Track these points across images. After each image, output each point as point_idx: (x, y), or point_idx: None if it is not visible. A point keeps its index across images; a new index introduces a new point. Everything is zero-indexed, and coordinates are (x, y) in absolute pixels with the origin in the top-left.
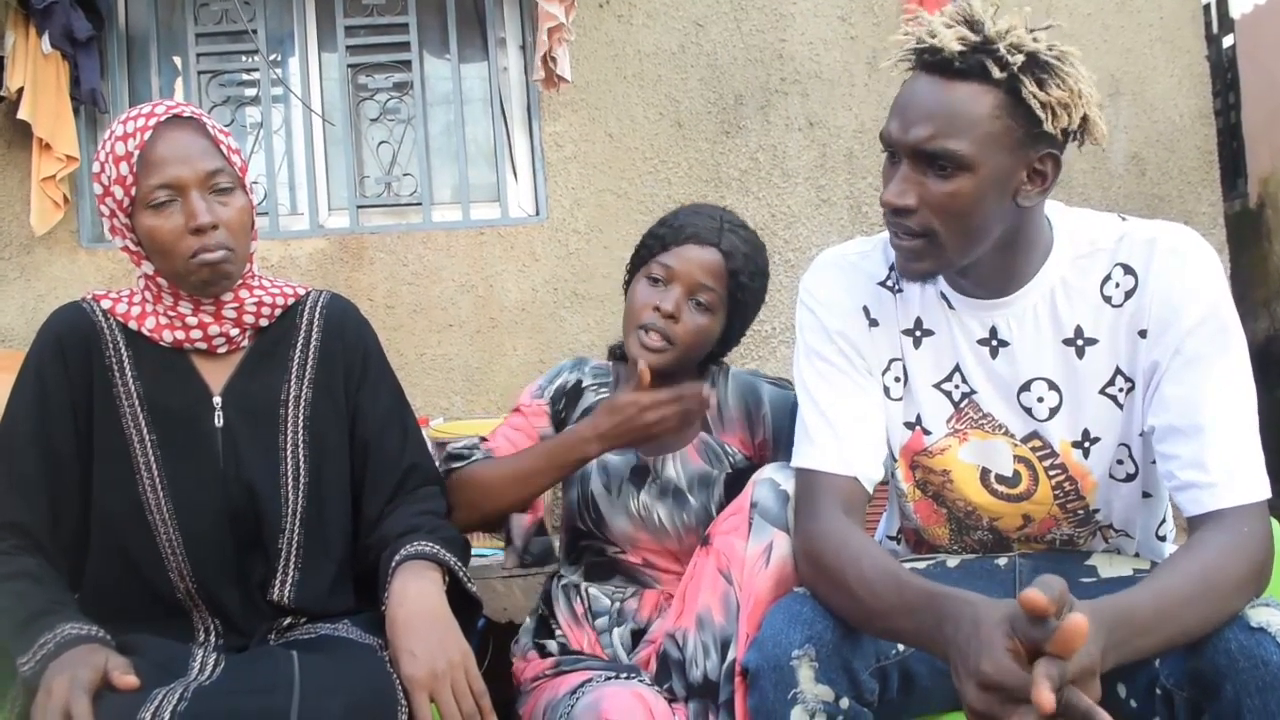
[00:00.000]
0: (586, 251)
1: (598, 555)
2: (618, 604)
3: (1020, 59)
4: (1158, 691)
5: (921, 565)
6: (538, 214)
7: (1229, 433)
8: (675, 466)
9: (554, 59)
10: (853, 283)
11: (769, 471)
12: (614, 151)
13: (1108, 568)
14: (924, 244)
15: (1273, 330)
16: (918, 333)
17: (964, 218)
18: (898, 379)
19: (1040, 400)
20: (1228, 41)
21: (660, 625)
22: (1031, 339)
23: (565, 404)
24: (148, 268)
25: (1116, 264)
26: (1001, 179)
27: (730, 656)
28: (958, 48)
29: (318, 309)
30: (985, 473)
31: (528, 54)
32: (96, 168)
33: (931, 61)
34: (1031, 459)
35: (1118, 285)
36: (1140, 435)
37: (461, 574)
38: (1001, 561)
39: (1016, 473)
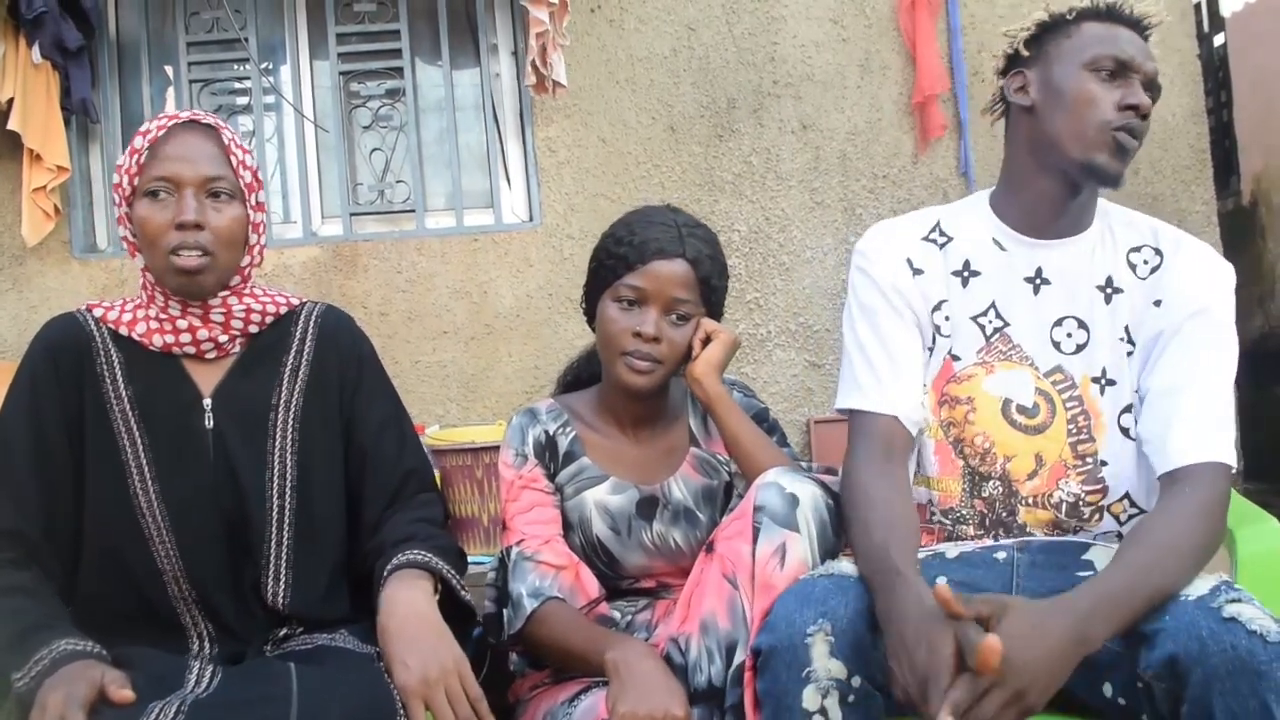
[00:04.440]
0: (581, 257)
1: (608, 586)
2: (629, 617)
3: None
4: (1139, 684)
5: (921, 556)
6: (531, 220)
7: (1207, 402)
8: (680, 488)
9: (548, 65)
10: (897, 238)
11: (772, 476)
12: (607, 156)
13: (1105, 560)
14: (1137, 147)
15: (1267, 328)
16: (965, 274)
17: (1147, 134)
18: (946, 318)
19: (1069, 336)
20: (1219, 40)
21: (663, 630)
22: (1072, 280)
23: (549, 457)
24: (140, 260)
25: (1146, 245)
26: None
27: (738, 660)
28: (1159, 19)
29: (312, 318)
30: (1007, 404)
31: (520, 60)
32: (121, 162)
33: (1133, 20)
34: (1051, 392)
35: (1145, 261)
36: (1135, 392)
37: (455, 582)
38: (1000, 555)
39: (1036, 404)
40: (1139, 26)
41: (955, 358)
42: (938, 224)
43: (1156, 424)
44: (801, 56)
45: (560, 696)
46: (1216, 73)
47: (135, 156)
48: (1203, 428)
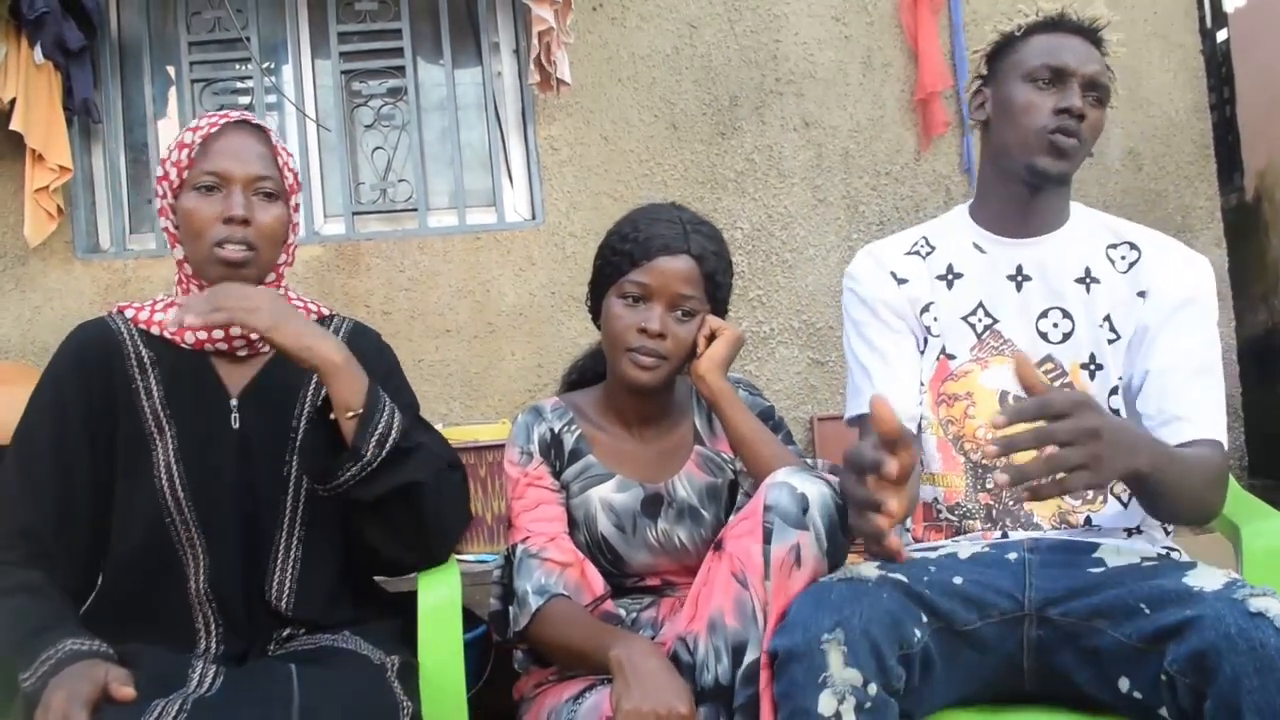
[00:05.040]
0: (583, 255)
1: (613, 584)
2: (634, 614)
3: (1113, 54)
4: (1163, 678)
5: (934, 555)
6: (534, 218)
7: (1204, 382)
8: (685, 486)
9: (552, 63)
10: (880, 257)
11: (782, 475)
12: (609, 154)
13: (1115, 557)
14: (1078, 147)
15: (1271, 324)
16: (949, 277)
17: (1094, 141)
18: (935, 319)
19: (1055, 326)
20: (1222, 35)
21: (669, 629)
22: (1053, 274)
23: (554, 455)
24: (179, 252)
25: (1123, 242)
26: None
27: (747, 660)
28: (1105, 21)
29: (342, 329)
30: (1004, 395)
31: (521, 58)
32: (165, 153)
33: (1078, 26)
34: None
35: (1123, 257)
36: (1119, 378)
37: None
38: (1011, 555)
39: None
40: (1086, 31)
41: (950, 356)
42: (923, 238)
43: (1158, 401)
44: (804, 54)
45: (564, 694)
46: (1220, 68)
47: (185, 150)
48: (1203, 407)
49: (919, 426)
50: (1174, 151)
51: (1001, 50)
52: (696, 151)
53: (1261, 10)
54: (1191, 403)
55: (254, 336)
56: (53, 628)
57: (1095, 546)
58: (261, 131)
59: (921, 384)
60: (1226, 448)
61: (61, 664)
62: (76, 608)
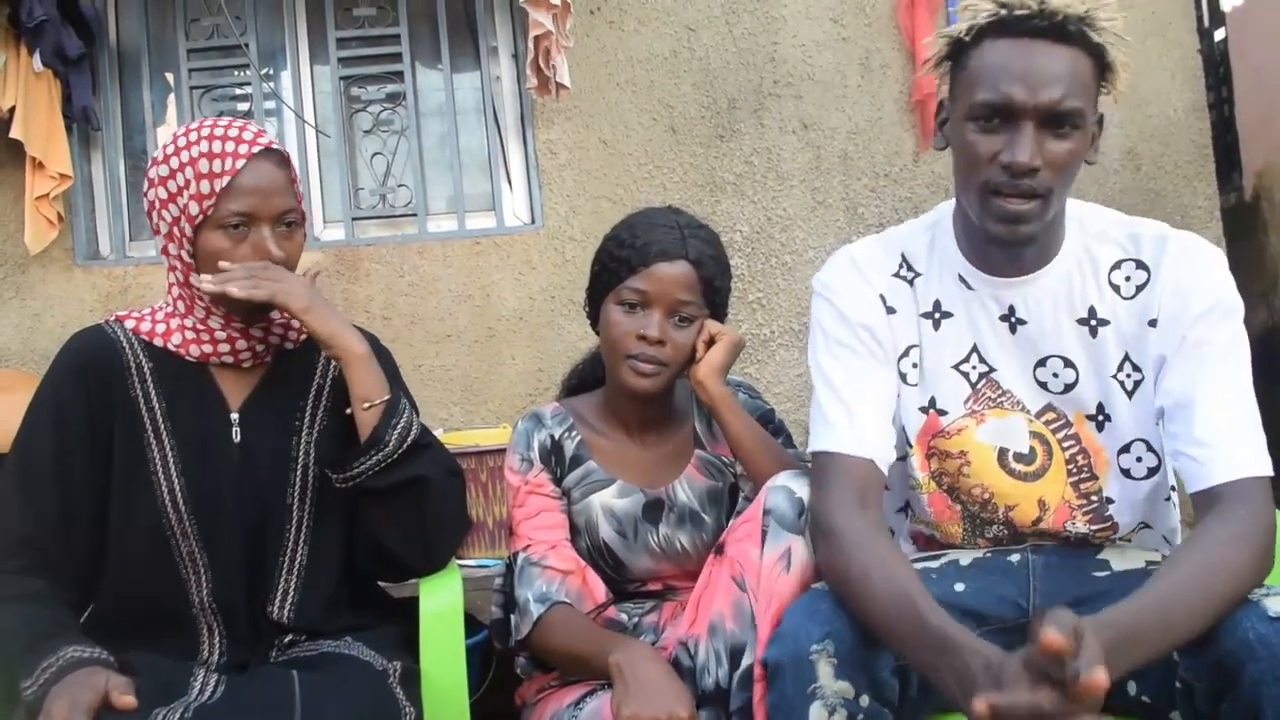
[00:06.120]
0: (583, 259)
1: (615, 590)
2: (635, 619)
3: (1113, 27)
4: (1177, 685)
5: (935, 564)
6: (533, 222)
7: (1226, 410)
8: (685, 490)
9: (552, 67)
10: (868, 274)
11: (783, 479)
12: (608, 158)
13: (1120, 561)
14: (1039, 205)
15: (1271, 323)
16: (937, 315)
17: (1070, 177)
18: (915, 365)
19: (1055, 375)
20: (1219, 35)
21: (671, 633)
22: (1050, 317)
23: (555, 462)
24: (196, 280)
25: (1129, 259)
26: (1089, 138)
27: (744, 663)
28: (1077, 12)
29: None
30: (1003, 453)
31: (520, 62)
32: (165, 171)
33: (1043, 26)
34: (1046, 434)
35: (1128, 279)
36: (1157, 424)
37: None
38: (1014, 558)
39: (1032, 449)
40: (1055, 29)
41: (941, 412)
42: (903, 256)
43: (1177, 442)
44: (802, 56)
45: (566, 699)
46: (1218, 68)
47: (207, 183)
48: (1229, 440)
49: (914, 483)
50: (1172, 151)
51: (954, 63)
52: (695, 154)
53: (1259, 10)
54: (1209, 442)
55: (260, 349)
56: (54, 635)
57: (1100, 548)
58: (281, 157)
59: (910, 444)
60: (1269, 470)
61: (63, 672)
62: (77, 616)
